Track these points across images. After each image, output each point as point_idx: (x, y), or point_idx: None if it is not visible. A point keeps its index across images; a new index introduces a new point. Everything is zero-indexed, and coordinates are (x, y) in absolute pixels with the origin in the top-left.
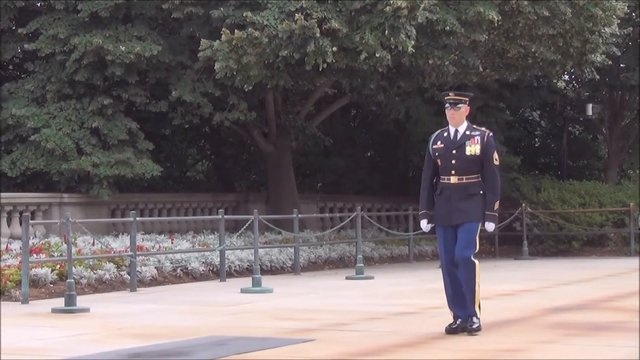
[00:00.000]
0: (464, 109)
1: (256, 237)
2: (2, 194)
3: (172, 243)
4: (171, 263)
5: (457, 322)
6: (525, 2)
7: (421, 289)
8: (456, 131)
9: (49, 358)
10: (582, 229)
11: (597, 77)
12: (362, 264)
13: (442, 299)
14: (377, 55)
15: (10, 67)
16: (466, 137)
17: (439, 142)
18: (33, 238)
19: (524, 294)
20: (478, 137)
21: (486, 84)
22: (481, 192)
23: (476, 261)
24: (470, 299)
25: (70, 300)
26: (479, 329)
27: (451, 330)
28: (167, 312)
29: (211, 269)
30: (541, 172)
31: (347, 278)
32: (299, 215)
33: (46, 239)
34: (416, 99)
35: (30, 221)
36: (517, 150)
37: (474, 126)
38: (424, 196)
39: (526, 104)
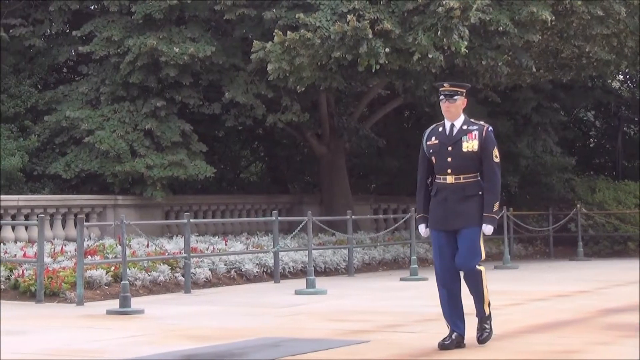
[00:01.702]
0: (461, 101)
1: (310, 239)
2: (57, 195)
3: (226, 245)
4: (225, 265)
5: (452, 337)
6: (579, 2)
7: None
8: (452, 126)
9: (104, 359)
10: (638, 229)
11: None
12: (416, 265)
13: (497, 300)
14: (430, 56)
15: (65, 69)
16: (463, 132)
17: (433, 138)
18: (88, 240)
19: (579, 295)
20: (476, 132)
21: (540, 85)
22: (480, 192)
23: (482, 268)
24: (480, 305)
25: (125, 302)
26: (489, 337)
27: (444, 346)
28: (221, 313)
29: (265, 270)
30: (596, 172)
31: (401, 279)
32: (353, 217)
33: (101, 241)
34: (470, 101)
35: (85, 223)
36: (571, 151)
37: (472, 120)
38: (420, 198)
39: (580, 104)
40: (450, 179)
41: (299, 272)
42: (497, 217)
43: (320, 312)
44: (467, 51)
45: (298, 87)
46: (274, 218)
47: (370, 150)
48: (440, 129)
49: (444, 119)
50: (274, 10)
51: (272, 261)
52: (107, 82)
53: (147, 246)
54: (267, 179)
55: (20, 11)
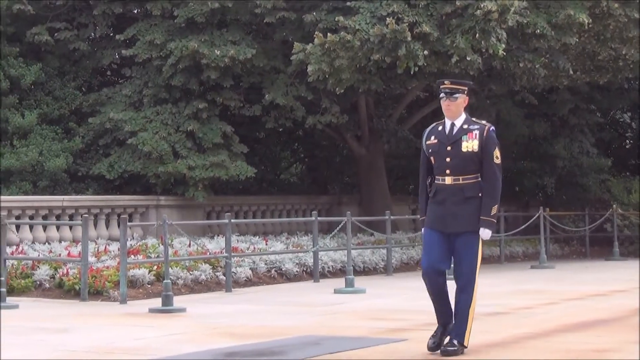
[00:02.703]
0: (462, 99)
1: (349, 239)
2: (100, 196)
3: (266, 244)
4: (265, 264)
5: (438, 333)
6: (616, 5)
7: (513, 290)
8: (452, 125)
9: (147, 357)
10: None
11: None
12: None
13: (533, 300)
14: (468, 58)
15: (108, 72)
16: (463, 132)
17: (432, 138)
18: (131, 239)
19: (614, 295)
20: (477, 132)
21: (577, 87)
22: (480, 194)
23: (477, 280)
24: (461, 318)
25: (167, 301)
26: (456, 353)
27: (432, 348)
28: (262, 312)
29: (305, 269)
30: (632, 173)
31: None
32: (391, 217)
33: (143, 241)
34: (507, 102)
35: (128, 223)
36: (607, 152)
37: (474, 119)
38: (422, 201)
39: (617, 106)
40: (449, 180)
41: (338, 272)
42: (495, 221)
43: (359, 310)
44: (504, 54)
45: (337, 89)
46: (313, 218)
47: (409, 151)
48: (440, 127)
49: (444, 118)
50: (314, 13)
51: (312, 261)
52: (150, 85)
53: (189, 246)
54: (306, 180)
55: (64, 15)
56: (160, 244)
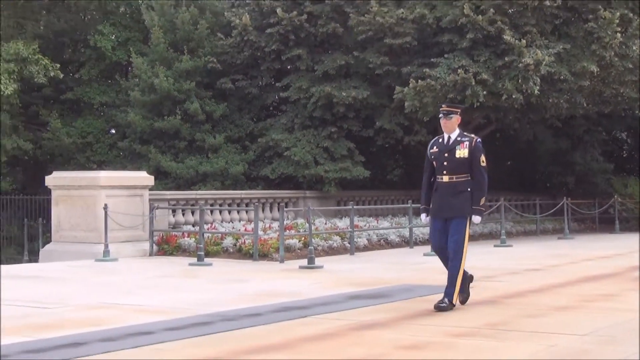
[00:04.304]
0: (455, 118)
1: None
2: (266, 190)
3: (377, 222)
4: (377, 236)
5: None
6: (616, 58)
7: (544, 254)
8: (449, 137)
9: (297, 298)
10: None
11: None
12: (504, 237)
13: (559, 259)
14: (513, 96)
15: (271, 108)
16: (457, 143)
17: (434, 147)
18: (286, 220)
19: (616, 257)
20: (467, 143)
21: (589, 115)
22: (469, 189)
23: (465, 251)
24: (452, 282)
25: (311, 261)
26: (445, 309)
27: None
28: (374, 268)
29: (403, 239)
30: (628, 174)
31: (494, 246)
32: None
33: (295, 221)
34: (540, 126)
35: (285, 209)
36: (610, 159)
37: (465, 133)
38: (423, 194)
39: (617, 128)
40: (446, 178)
41: (426, 241)
42: (484, 209)
43: (440, 268)
44: (538, 93)
45: (424, 117)
46: (409, 205)
47: None
48: (440, 139)
49: (442, 133)
50: (409, 67)
51: (408, 233)
52: (299, 116)
53: (325, 224)
54: (404, 179)
55: (241, 70)
56: (306, 223)
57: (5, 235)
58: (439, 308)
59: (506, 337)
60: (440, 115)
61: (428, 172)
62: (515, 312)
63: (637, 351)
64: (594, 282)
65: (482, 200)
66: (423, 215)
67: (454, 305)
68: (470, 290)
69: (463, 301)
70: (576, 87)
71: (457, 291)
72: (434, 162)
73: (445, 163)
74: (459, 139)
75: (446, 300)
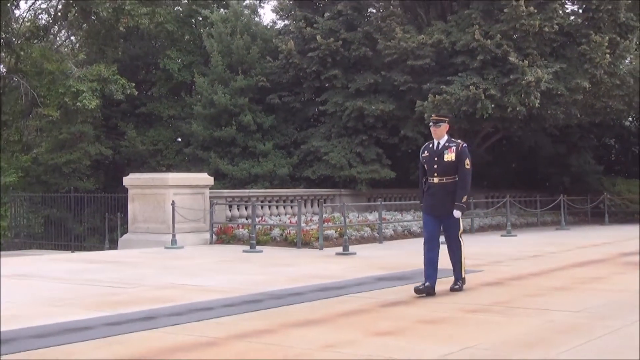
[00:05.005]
0: (444, 126)
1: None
2: (308, 189)
3: (401, 216)
4: (401, 227)
5: (425, 284)
6: (605, 76)
7: (544, 242)
8: (438, 143)
9: (334, 280)
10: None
11: None
12: (510, 228)
13: (556, 247)
14: (517, 109)
15: (312, 119)
16: (445, 148)
17: (425, 152)
18: (325, 214)
19: (605, 245)
20: (454, 148)
21: (582, 124)
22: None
23: (461, 239)
24: (457, 268)
25: (345, 248)
26: (460, 289)
27: (418, 290)
28: (399, 255)
29: None
30: (616, 174)
31: (501, 236)
32: (473, 200)
33: (332, 214)
34: (540, 134)
35: (323, 204)
36: (600, 162)
37: (452, 139)
38: (421, 192)
39: (606, 136)
40: (436, 180)
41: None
42: (465, 206)
43: None
44: (539, 106)
45: None
46: None
47: (483, 162)
48: (431, 145)
49: (432, 139)
50: (428, 84)
51: None
52: (335, 126)
53: (358, 217)
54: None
55: (287, 88)
56: (341, 216)
57: (90, 227)
58: (455, 290)
59: (511, 313)
60: (431, 123)
61: (422, 174)
62: (519, 292)
63: (623, 324)
64: (586, 266)
65: (464, 198)
66: (423, 213)
67: (463, 285)
68: (477, 274)
69: (422, 290)
70: (571, 101)
71: (463, 269)
72: (425, 165)
73: (435, 166)
74: (447, 144)
75: (459, 283)
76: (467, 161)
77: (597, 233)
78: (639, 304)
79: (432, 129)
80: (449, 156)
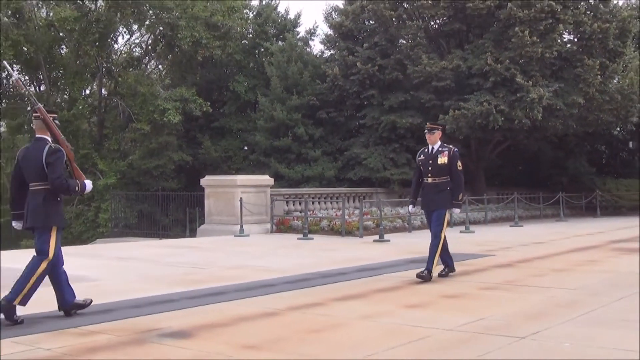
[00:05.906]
0: (437, 133)
1: (465, 206)
2: (349, 188)
3: None
4: None
5: (446, 269)
6: (597, 93)
7: (546, 232)
8: (432, 148)
9: (372, 262)
10: (627, 202)
11: (634, 127)
12: (517, 219)
13: (556, 235)
14: (523, 121)
15: (353, 131)
16: (438, 152)
17: (421, 155)
18: (364, 208)
19: (598, 234)
20: (446, 152)
21: (578, 133)
22: (448, 188)
23: (443, 235)
24: (430, 259)
25: (381, 236)
26: (426, 278)
27: (440, 275)
28: (426, 242)
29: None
30: (606, 175)
31: (510, 226)
32: (487, 197)
33: (370, 208)
34: (543, 142)
35: (363, 200)
36: (592, 165)
37: (445, 144)
38: (412, 190)
39: (598, 143)
40: (430, 180)
41: (461, 222)
42: (462, 203)
43: (471, 241)
44: (541, 118)
45: (460, 136)
46: None
47: (494, 165)
48: (426, 150)
49: (427, 144)
50: (449, 101)
51: (449, 216)
52: (372, 137)
53: (391, 211)
54: None
55: (332, 105)
56: (378, 210)
57: (174, 219)
58: (421, 277)
59: (519, 290)
60: (425, 131)
61: (417, 174)
62: (525, 272)
63: (613, 300)
64: (582, 251)
65: (460, 196)
66: (410, 207)
67: (432, 276)
68: (490, 258)
69: (444, 275)
70: (568, 114)
71: (435, 263)
72: (421, 167)
73: (429, 168)
74: (440, 149)
75: (425, 271)
76: (459, 164)
77: (590, 224)
78: (639, 283)
79: (427, 135)
80: (442, 159)
